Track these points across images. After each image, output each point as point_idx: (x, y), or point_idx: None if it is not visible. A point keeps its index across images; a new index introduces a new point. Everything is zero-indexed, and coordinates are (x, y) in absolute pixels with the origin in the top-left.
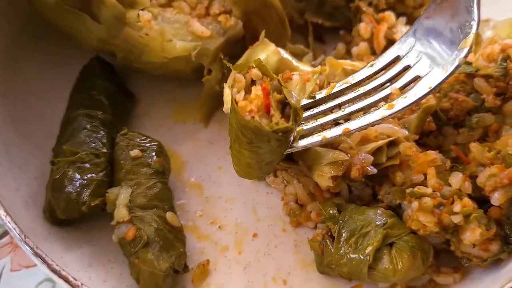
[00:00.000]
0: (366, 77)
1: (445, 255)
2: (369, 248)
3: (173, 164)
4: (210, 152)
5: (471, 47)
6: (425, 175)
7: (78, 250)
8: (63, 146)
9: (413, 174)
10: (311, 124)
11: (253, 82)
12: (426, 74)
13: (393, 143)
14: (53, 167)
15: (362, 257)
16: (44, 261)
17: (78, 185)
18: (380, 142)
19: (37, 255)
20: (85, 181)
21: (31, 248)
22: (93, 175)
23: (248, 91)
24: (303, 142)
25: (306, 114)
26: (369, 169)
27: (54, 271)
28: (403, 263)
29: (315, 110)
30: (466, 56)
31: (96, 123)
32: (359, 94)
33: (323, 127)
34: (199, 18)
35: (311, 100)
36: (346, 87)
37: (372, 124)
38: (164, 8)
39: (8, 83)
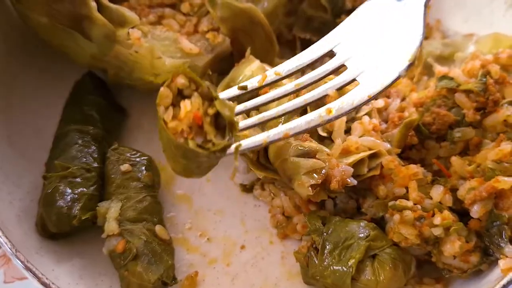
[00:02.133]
0: (297, 68)
1: (428, 266)
2: (352, 260)
3: (163, 177)
4: None
5: (414, 60)
6: (407, 188)
7: (69, 263)
8: (54, 161)
9: (395, 188)
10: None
11: (180, 93)
12: (363, 77)
13: (374, 155)
14: (45, 182)
15: (345, 269)
16: (34, 274)
17: (69, 199)
18: (362, 155)
19: (28, 269)
20: (76, 195)
21: (22, 262)
22: (84, 189)
23: (176, 102)
24: (245, 146)
25: (239, 108)
26: (349, 180)
27: (44, 284)
28: (385, 275)
29: (250, 104)
30: (407, 70)
31: (87, 138)
32: (294, 90)
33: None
34: (188, 35)
35: (242, 92)
36: (278, 78)
37: (311, 128)
38: (154, 26)
39: (3, 98)
